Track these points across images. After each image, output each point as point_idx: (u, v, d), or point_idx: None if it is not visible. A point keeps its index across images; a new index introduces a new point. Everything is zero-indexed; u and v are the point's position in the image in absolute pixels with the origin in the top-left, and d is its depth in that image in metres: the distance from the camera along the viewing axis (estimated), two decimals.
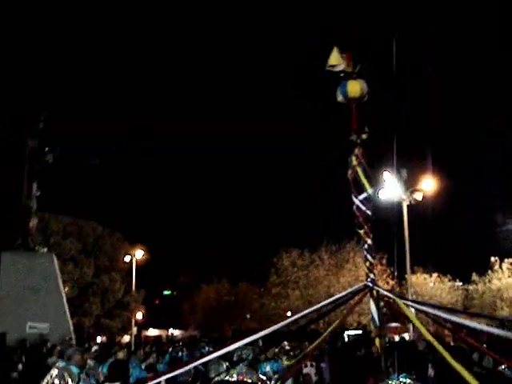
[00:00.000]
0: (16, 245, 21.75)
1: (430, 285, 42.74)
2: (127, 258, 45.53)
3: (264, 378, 7.24)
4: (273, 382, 10.90)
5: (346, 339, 22.66)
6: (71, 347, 14.98)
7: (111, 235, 43.87)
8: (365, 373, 9.54)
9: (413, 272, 41.82)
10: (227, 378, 7.03)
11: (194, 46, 78.50)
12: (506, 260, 39.39)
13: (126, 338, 47.94)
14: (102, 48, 77.31)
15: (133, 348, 21.30)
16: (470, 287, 42.87)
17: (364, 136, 10.13)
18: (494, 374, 9.56)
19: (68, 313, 21.54)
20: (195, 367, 10.09)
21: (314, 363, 15.37)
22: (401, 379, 6.70)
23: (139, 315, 49.90)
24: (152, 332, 62.41)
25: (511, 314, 38.40)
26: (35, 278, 20.83)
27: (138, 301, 46.45)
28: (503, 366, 9.61)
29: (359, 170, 9.76)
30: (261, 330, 10.77)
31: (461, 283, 44.89)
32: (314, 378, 15.18)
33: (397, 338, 25.93)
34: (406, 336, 28.54)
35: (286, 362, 14.77)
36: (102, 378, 9.76)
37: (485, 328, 7.42)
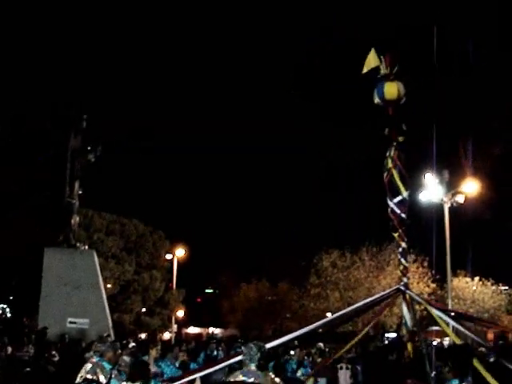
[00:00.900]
0: (58, 241, 22.20)
1: (472, 288, 42.04)
2: (168, 257, 46.00)
3: (278, 380, 7.10)
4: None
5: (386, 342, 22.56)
6: (107, 343, 15.24)
7: (153, 233, 44.29)
8: (397, 377, 9.48)
9: (455, 275, 41.29)
10: (230, 379, 7.00)
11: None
12: None
13: (167, 336, 48.43)
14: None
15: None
16: None
17: (400, 138, 10.08)
18: None
19: (107, 309, 21.88)
20: (229, 365, 10.17)
21: (349, 365, 15.35)
22: None
23: (180, 313, 50.33)
24: (192, 330, 62.88)
25: None
26: (76, 274, 21.22)
27: (179, 299, 46.82)
28: None
29: (394, 173, 9.72)
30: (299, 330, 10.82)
31: (505, 287, 44.07)
32: (349, 381, 15.16)
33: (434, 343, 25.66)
34: (447, 340, 28.20)
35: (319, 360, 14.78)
36: None
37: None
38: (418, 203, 26.94)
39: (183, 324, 59.15)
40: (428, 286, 40.22)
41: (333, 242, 44.60)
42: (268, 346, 8.15)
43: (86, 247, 23.48)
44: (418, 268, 39.88)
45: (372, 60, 10.15)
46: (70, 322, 20.21)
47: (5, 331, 20.39)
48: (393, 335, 31.63)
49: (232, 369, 9.04)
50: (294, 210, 69.21)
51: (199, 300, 67.33)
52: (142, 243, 43.03)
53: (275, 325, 53.19)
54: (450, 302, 27.71)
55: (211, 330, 62.96)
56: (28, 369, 13.39)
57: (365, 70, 10.34)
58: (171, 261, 45.93)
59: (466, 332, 8.97)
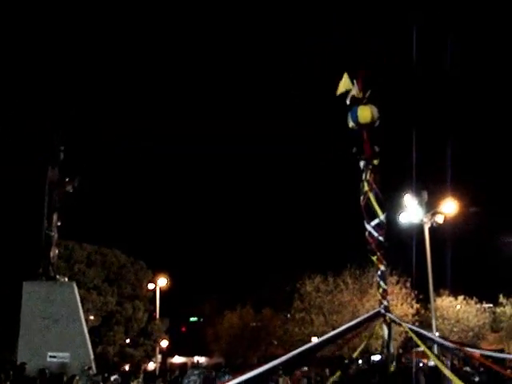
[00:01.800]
0: (37, 274, 21.93)
1: (456, 307, 42.15)
2: (151, 286, 45.69)
3: None
4: None
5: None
6: (89, 376, 15.02)
7: (134, 263, 44.02)
8: None
9: (438, 295, 41.38)
10: None
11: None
12: None
13: (152, 366, 47.93)
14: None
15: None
16: (498, 309, 42.18)
17: (375, 161, 10.10)
18: None
19: (89, 342, 21.56)
20: None
21: None
22: None
23: (164, 343, 49.86)
24: (177, 359, 62.27)
25: None
26: (56, 307, 20.90)
27: (162, 329, 46.42)
28: None
29: (371, 196, 9.72)
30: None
31: (488, 305, 44.21)
32: None
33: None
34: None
35: None
36: None
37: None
38: (399, 224, 27.13)
39: (168, 354, 58.62)
40: (412, 307, 40.21)
41: (315, 266, 44.56)
42: (252, 373, 8.11)
43: (66, 279, 23.18)
44: (401, 289, 39.92)
45: (344, 84, 10.21)
46: (51, 356, 19.86)
47: None
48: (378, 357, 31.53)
49: None
50: (275, 237, 68.95)
51: (184, 329, 66.81)
52: (124, 274, 42.69)
53: (260, 351, 52.83)
54: (434, 321, 27.76)
55: (196, 358, 62.36)
56: None
57: (338, 93, 10.40)
58: (154, 290, 45.63)
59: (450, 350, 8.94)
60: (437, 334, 25.47)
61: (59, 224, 22.53)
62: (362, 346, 10.28)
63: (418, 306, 40.92)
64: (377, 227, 9.38)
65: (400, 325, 8.76)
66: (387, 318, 8.90)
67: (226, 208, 76.74)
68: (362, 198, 9.60)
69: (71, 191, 22.47)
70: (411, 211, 26.23)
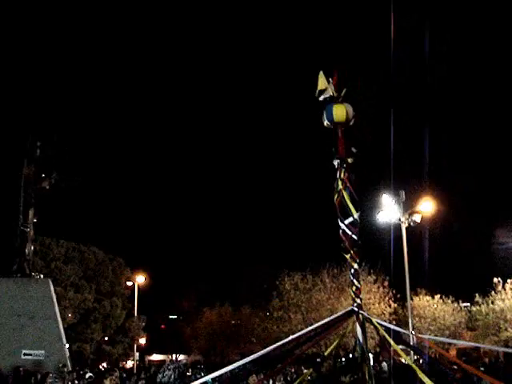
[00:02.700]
0: (12, 271, 21.74)
1: (432, 306, 42.40)
2: (129, 284, 45.52)
3: None
4: None
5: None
6: (64, 374, 14.92)
7: (113, 260, 43.82)
8: None
9: (416, 294, 41.62)
10: None
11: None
12: (508, 281, 39.02)
13: (130, 364, 47.74)
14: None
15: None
16: (474, 308, 42.49)
17: (350, 160, 10.13)
18: None
19: (64, 339, 21.43)
20: None
21: None
22: None
23: (142, 340, 49.70)
24: (156, 357, 62.10)
25: None
26: (31, 304, 20.76)
27: (140, 326, 46.27)
28: None
29: (345, 194, 9.75)
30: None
31: (465, 304, 44.53)
32: None
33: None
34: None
35: None
36: None
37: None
38: (376, 224, 27.27)
39: (146, 351, 58.43)
40: (389, 306, 40.38)
41: (294, 264, 44.63)
42: (226, 369, 8.09)
43: (42, 276, 23.01)
44: (378, 288, 40.06)
45: (320, 83, 10.19)
46: (25, 354, 19.71)
47: None
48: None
49: None
50: (254, 234, 69.11)
51: (163, 327, 66.60)
52: (102, 271, 42.50)
53: (238, 349, 52.80)
54: (410, 320, 27.93)
55: (175, 356, 62.23)
56: None
57: (316, 93, 10.37)
58: (132, 288, 45.46)
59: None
60: (413, 332, 25.60)
61: (35, 220, 22.37)
62: (334, 344, 10.28)
63: (396, 305, 41.12)
64: (350, 225, 9.40)
65: (372, 324, 8.78)
66: (360, 316, 8.92)
67: (205, 205, 76.84)
68: (335, 196, 9.60)
69: (47, 187, 22.31)
70: (389, 211, 26.36)
